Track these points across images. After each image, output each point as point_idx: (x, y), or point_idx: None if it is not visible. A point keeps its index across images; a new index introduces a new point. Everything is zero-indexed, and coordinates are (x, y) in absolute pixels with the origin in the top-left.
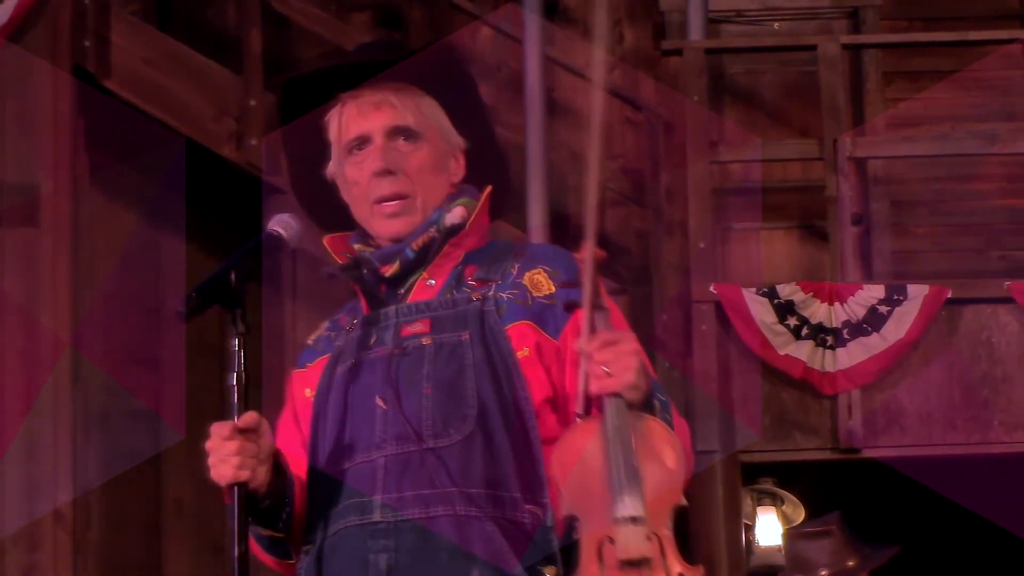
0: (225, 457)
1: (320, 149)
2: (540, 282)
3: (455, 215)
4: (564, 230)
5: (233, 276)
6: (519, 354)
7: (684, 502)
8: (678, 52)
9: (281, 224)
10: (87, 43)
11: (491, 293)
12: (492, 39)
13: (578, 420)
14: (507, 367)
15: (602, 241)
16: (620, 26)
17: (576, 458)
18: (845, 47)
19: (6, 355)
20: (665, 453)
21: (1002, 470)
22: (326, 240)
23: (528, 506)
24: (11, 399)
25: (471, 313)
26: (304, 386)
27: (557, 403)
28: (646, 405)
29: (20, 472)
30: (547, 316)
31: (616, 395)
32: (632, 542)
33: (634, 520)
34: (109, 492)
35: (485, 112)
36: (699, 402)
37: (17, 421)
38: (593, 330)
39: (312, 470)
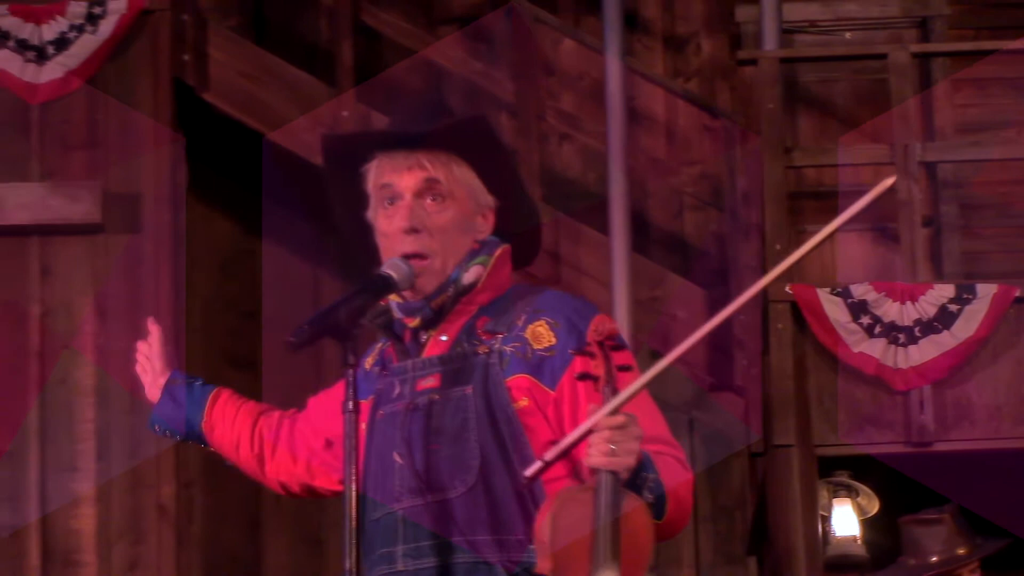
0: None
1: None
2: (541, 334)
3: (471, 274)
4: (644, 233)
5: (343, 313)
6: (518, 404)
7: None
8: (753, 62)
9: (392, 267)
10: (186, 57)
11: (496, 346)
12: (574, 50)
13: (541, 461)
14: (507, 417)
15: (681, 244)
16: (697, 38)
17: (570, 523)
18: (915, 55)
19: (111, 356)
20: (641, 534)
21: None
22: None
23: (532, 547)
24: (116, 399)
25: (476, 366)
26: (361, 419)
27: None
28: (631, 483)
29: (125, 466)
30: (544, 368)
31: (613, 473)
32: None
33: None
34: (211, 486)
35: (516, 171)
36: (776, 398)
37: (123, 419)
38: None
39: (360, 518)
